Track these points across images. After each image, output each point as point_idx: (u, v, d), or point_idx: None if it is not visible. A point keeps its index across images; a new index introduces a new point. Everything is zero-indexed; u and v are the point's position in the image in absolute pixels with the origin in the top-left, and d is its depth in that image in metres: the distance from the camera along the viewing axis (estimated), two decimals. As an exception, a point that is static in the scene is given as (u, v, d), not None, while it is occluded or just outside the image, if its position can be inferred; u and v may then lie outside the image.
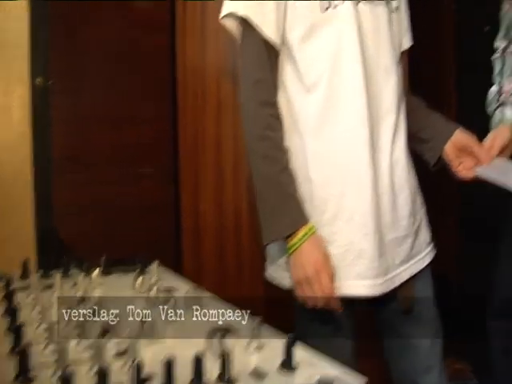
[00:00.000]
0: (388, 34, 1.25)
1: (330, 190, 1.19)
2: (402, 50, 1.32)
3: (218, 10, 1.22)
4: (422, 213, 1.30)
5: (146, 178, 2.14)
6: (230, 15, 1.20)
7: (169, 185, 2.17)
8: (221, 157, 2.00)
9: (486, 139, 1.32)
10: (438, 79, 2.95)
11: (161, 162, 2.19)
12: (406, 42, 1.34)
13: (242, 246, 2.03)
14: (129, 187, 2.13)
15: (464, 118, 1.68)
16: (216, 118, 2.01)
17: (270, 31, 1.18)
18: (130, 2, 2.14)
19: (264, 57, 1.21)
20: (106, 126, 2.12)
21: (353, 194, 1.19)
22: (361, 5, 1.21)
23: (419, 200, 1.30)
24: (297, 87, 1.23)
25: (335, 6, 1.19)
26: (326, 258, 1.15)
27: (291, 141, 1.23)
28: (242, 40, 1.22)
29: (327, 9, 1.19)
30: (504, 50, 1.89)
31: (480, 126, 1.58)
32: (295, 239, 1.14)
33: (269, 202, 1.17)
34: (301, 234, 1.14)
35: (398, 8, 1.28)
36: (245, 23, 1.19)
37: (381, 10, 1.24)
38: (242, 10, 1.18)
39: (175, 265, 1.93)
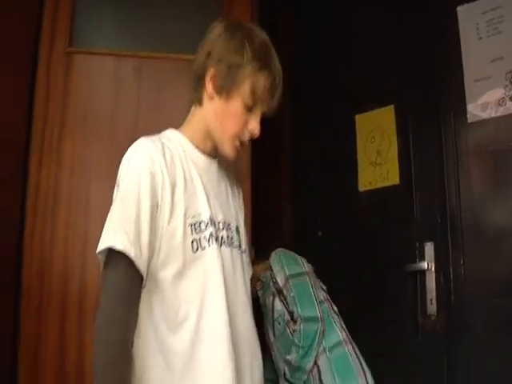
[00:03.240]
0: (241, 272, 1.49)
1: None
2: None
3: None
4: None
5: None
6: (106, 249, 1.29)
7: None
8: (63, 364, 1.94)
9: None
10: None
11: None
12: (250, 272, 1.61)
13: None
14: None
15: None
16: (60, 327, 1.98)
17: (142, 267, 1.31)
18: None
19: (127, 292, 1.31)
20: None
21: None
22: (223, 247, 1.42)
23: None
24: (166, 325, 1.34)
25: (204, 248, 1.38)
26: None
27: (159, 375, 1.32)
28: (108, 272, 1.31)
29: (197, 250, 1.37)
30: None
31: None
32: None
33: None
34: None
35: (245, 250, 1.55)
36: (115, 257, 1.29)
37: (235, 252, 1.48)
38: (120, 245, 1.28)
39: None
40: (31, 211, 1.98)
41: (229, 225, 1.49)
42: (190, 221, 1.38)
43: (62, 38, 2.03)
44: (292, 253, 2.31)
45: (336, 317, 2.24)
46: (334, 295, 2.32)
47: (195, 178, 1.44)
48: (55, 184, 1.99)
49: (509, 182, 2.30)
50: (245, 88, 1.41)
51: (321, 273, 2.52)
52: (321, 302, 2.18)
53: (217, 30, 1.48)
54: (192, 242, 1.36)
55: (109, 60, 2.07)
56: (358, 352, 2.18)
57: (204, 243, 1.38)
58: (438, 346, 2.38)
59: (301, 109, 3.05)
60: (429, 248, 2.43)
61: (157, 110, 2.03)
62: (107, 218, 1.35)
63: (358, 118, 2.73)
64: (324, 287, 2.37)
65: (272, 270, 2.22)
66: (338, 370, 2.09)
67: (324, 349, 2.12)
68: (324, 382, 2.08)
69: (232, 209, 1.56)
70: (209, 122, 1.48)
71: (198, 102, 1.50)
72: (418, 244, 2.46)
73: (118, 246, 1.28)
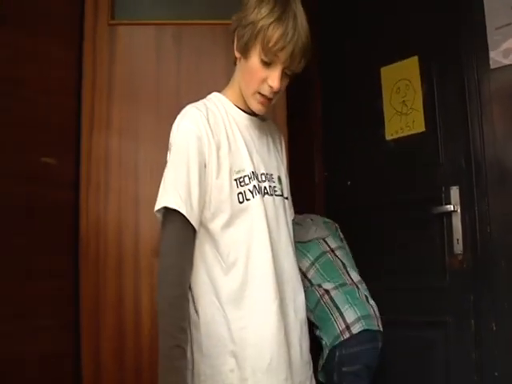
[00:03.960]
0: (284, 218, 1.64)
1: (249, 350, 1.48)
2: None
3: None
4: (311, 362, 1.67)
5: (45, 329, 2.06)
6: (162, 208, 1.48)
7: (69, 334, 2.14)
8: (122, 312, 2.10)
9: None
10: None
11: (61, 314, 2.14)
12: (292, 215, 1.77)
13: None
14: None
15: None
16: (117, 276, 2.12)
17: (194, 221, 1.48)
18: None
19: (182, 243, 1.50)
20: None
21: (269, 347, 1.50)
22: (266, 197, 1.58)
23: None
24: (218, 268, 1.52)
25: (249, 199, 1.54)
26: None
27: (213, 312, 1.51)
28: (166, 227, 1.49)
29: (243, 201, 1.53)
30: None
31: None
32: None
33: (160, 373, 1.41)
34: None
35: (287, 197, 1.70)
36: (170, 214, 1.47)
37: (278, 199, 1.63)
38: (173, 203, 1.46)
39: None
40: (85, 173, 2.13)
41: (271, 175, 1.65)
42: (235, 176, 1.54)
43: (105, 11, 2.16)
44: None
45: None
46: (364, 237, 2.45)
47: (237, 136, 1.60)
48: (105, 147, 2.14)
49: (531, 126, 2.38)
50: (258, 44, 1.51)
51: (351, 219, 2.66)
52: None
53: None
54: (238, 195, 1.53)
55: (149, 29, 2.19)
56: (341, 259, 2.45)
57: (249, 195, 1.54)
58: (464, 283, 2.51)
59: (329, 64, 3.14)
60: (454, 191, 2.54)
61: (197, 74, 2.16)
62: (162, 180, 1.52)
63: (383, 70, 2.80)
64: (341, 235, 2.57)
65: None
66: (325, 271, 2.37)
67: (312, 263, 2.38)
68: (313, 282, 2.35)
69: (274, 161, 1.71)
70: (238, 80, 1.63)
71: (234, 63, 1.65)
72: (444, 188, 2.56)
73: (172, 205, 1.46)
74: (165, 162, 2.06)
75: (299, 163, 2.45)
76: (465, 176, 2.54)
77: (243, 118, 1.65)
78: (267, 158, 1.68)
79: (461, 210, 2.52)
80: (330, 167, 3.16)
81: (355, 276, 2.49)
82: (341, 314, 2.35)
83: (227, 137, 1.57)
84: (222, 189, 1.53)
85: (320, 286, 2.39)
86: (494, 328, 2.41)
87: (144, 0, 2.24)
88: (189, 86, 2.13)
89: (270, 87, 1.54)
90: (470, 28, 2.50)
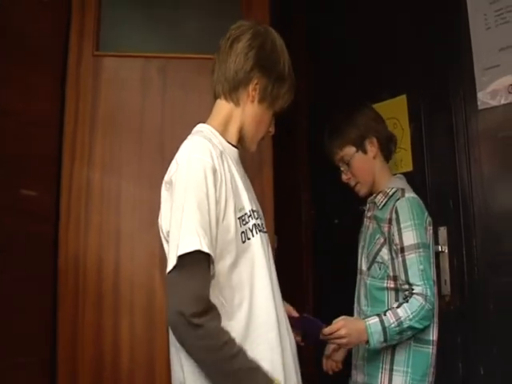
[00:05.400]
0: (270, 251, 1.61)
1: None
2: None
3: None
4: None
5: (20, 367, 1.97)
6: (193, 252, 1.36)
7: (45, 372, 2.07)
8: (100, 348, 2.04)
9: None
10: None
11: (38, 351, 2.07)
12: None
13: None
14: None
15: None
16: (96, 312, 2.07)
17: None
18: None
19: (208, 280, 1.41)
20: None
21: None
22: (259, 234, 1.55)
23: None
24: (223, 314, 1.42)
25: (249, 238, 1.51)
26: None
27: None
28: (190, 271, 1.37)
29: (245, 240, 1.49)
30: None
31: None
32: None
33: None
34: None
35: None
36: (192, 257, 1.36)
37: (264, 236, 1.60)
38: (205, 247, 1.36)
39: None
40: (65, 206, 2.08)
41: (259, 212, 1.63)
42: (238, 214, 1.50)
43: (90, 42, 2.14)
44: None
45: None
46: (353, 275, 2.40)
47: (234, 172, 1.56)
48: (87, 181, 2.10)
49: (518, 167, 2.37)
50: (281, 101, 1.62)
51: (338, 257, 2.62)
52: None
53: (246, 36, 1.60)
54: (241, 234, 1.49)
55: (134, 61, 2.17)
56: None
57: (249, 234, 1.52)
58: (452, 325, 2.47)
59: (317, 101, 3.14)
60: (442, 232, 2.52)
61: (182, 108, 2.14)
62: (180, 220, 1.39)
63: (372, 108, 2.81)
64: None
65: None
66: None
67: None
68: None
69: (255, 197, 1.69)
70: (244, 122, 1.63)
71: (236, 102, 1.62)
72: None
73: (205, 249, 1.37)
74: (147, 198, 2.04)
75: (286, 201, 2.42)
76: (452, 216, 2.53)
77: (234, 152, 1.63)
78: (253, 195, 1.66)
79: (448, 250, 2.50)
80: (317, 205, 3.13)
81: None
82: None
83: (230, 172, 1.53)
84: (229, 228, 1.47)
85: None
86: (482, 372, 2.37)
87: (130, 32, 2.23)
88: (173, 119, 2.11)
89: (269, 132, 1.66)
90: (459, 68, 2.52)
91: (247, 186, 1.62)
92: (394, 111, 2.70)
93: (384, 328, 1.88)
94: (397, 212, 2.04)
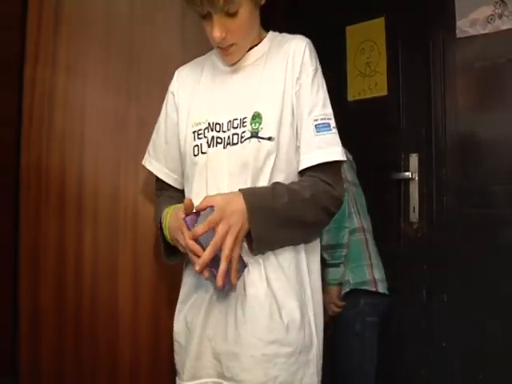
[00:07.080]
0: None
1: None
2: None
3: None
4: None
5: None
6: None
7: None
8: (63, 255, 1.95)
9: None
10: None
11: None
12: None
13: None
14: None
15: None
16: (59, 217, 1.97)
17: None
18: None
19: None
20: None
21: None
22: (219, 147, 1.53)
23: None
24: None
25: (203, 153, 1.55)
26: None
27: None
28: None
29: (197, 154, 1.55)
30: None
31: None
32: None
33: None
34: None
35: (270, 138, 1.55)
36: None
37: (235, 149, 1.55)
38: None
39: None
40: (27, 110, 1.98)
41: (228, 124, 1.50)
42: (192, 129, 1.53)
43: None
44: None
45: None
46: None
47: (202, 85, 1.60)
48: (50, 86, 1.99)
49: (493, 99, 2.36)
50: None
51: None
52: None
53: None
54: (194, 148, 1.52)
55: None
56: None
57: (204, 148, 1.50)
58: (418, 252, 2.49)
59: (294, 20, 3.05)
60: (413, 159, 2.51)
61: (152, 6, 2.01)
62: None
63: (348, 29, 2.76)
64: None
65: None
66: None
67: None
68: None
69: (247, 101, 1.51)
70: None
71: None
72: (403, 155, 2.54)
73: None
74: (113, 105, 1.96)
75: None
76: (424, 144, 2.52)
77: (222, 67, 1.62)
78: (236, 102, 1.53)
79: (418, 177, 2.50)
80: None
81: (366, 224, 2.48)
82: (371, 264, 2.39)
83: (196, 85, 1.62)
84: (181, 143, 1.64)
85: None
86: (445, 299, 2.41)
87: None
88: (143, 20, 1.99)
89: (214, 41, 1.46)
90: (439, -6, 2.47)
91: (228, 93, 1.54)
92: (372, 33, 2.64)
93: None
94: None
